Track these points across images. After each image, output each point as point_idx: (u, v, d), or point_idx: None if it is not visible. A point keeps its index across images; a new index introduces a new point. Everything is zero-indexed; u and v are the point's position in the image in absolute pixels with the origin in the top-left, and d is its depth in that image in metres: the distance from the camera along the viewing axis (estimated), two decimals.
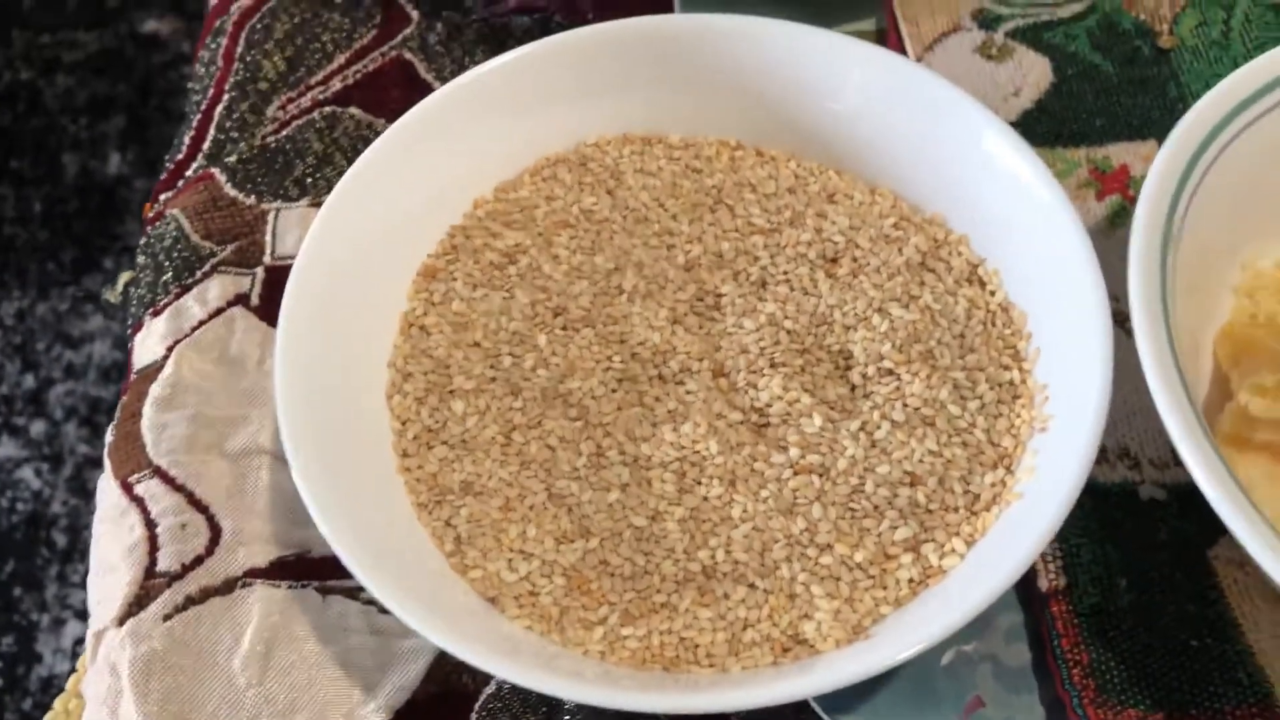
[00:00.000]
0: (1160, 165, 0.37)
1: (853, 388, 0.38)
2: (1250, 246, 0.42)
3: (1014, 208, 0.39)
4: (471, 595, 0.35)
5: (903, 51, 0.52)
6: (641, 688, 0.33)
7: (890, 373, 0.38)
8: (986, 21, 0.52)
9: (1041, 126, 0.48)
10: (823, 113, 0.44)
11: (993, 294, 0.40)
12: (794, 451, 0.36)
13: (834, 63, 0.43)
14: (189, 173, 0.49)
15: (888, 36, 0.52)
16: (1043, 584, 0.39)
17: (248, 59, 0.52)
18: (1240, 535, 0.32)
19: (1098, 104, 0.49)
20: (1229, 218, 0.40)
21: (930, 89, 0.41)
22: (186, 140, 0.50)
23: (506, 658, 0.32)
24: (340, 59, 0.51)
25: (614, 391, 0.38)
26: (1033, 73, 0.51)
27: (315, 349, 0.38)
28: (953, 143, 0.41)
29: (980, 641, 0.39)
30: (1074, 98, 0.49)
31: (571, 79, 0.44)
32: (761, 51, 0.43)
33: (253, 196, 0.47)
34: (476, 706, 0.37)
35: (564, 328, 0.40)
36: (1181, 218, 0.38)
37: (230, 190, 0.47)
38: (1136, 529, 0.39)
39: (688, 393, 0.38)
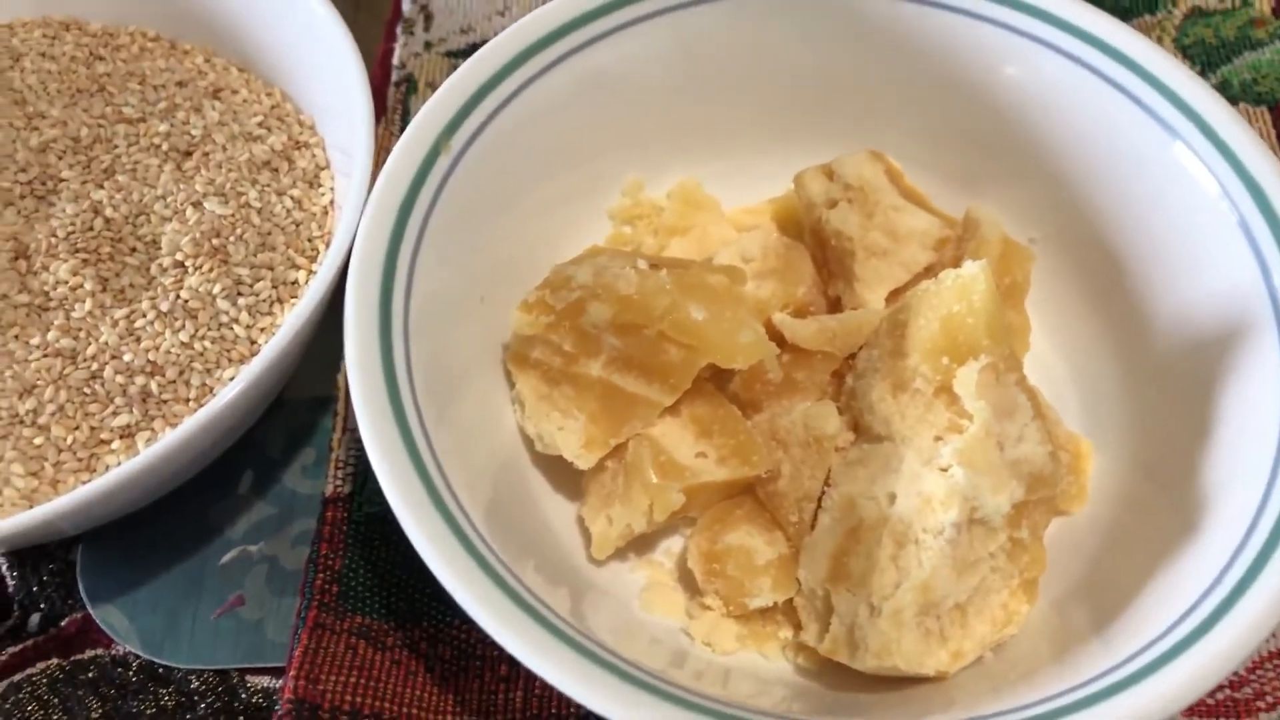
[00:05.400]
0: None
1: (151, 279, 0.37)
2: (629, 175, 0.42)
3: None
4: None
5: None
6: None
7: (180, 265, 0.37)
8: None
9: None
10: (248, 9, 0.43)
11: (324, 195, 0.39)
12: (52, 334, 0.36)
13: None
14: None
15: None
16: (327, 489, 0.38)
17: None
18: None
19: None
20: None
21: None
22: None
23: None
24: None
25: None
26: None
27: None
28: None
29: (267, 543, 0.39)
30: None
31: None
32: None
33: None
34: None
35: None
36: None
37: None
38: None
39: None
